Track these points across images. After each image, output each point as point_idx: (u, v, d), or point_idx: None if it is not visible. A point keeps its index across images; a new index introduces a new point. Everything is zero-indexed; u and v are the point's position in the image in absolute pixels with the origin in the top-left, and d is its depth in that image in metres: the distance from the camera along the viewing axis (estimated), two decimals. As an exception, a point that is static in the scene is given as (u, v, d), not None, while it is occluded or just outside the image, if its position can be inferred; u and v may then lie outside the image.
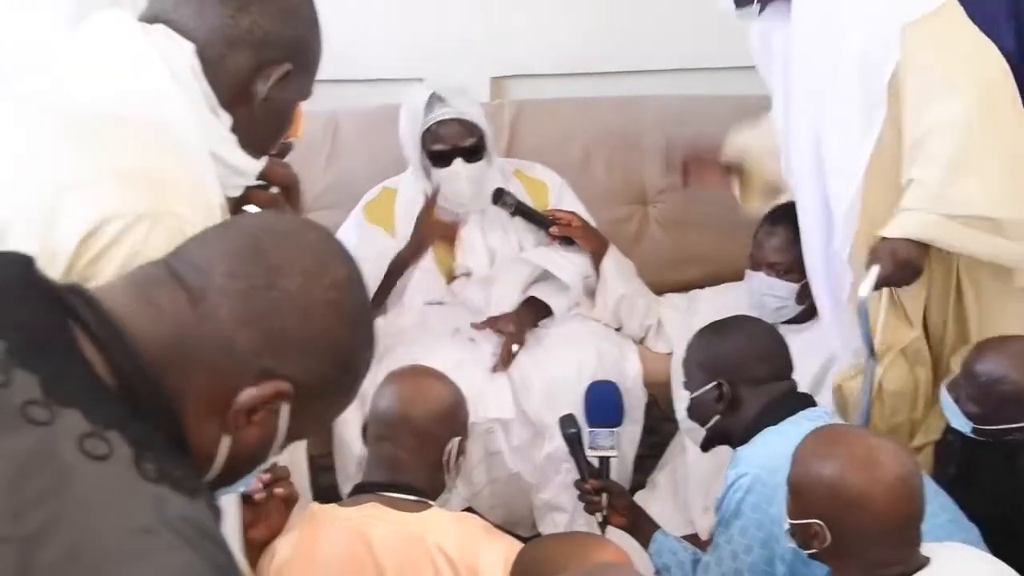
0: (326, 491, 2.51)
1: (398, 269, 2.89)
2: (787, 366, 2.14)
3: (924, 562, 1.64)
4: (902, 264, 2.20)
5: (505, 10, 3.35)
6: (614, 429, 2.30)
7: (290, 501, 1.77)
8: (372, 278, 2.76)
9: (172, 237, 1.08)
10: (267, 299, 0.95)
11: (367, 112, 3.29)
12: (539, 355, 2.82)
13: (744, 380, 2.07)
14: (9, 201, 1.14)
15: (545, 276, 2.92)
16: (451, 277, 3.00)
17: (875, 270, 2.20)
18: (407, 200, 2.95)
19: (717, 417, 2.09)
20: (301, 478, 2.10)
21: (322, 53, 1.38)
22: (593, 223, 3.03)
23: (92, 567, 0.81)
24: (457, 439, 1.88)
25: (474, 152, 2.86)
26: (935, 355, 2.44)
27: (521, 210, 2.92)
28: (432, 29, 3.33)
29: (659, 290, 3.06)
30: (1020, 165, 2.23)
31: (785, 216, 2.62)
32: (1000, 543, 1.94)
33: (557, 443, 2.67)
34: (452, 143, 2.85)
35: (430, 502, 1.83)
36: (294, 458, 2.02)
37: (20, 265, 0.95)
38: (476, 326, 2.85)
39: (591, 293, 2.95)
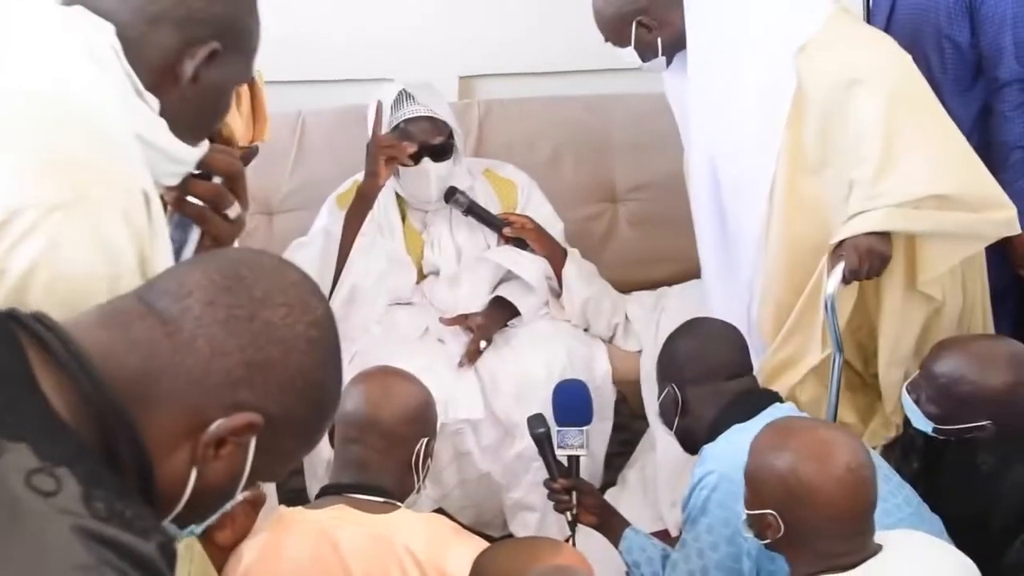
0: (294, 494, 2.50)
1: (359, 206, 2.84)
2: (742, 363, 2.15)
3: (876, 550, 1.66)
4: (866, 254, 2.24)
5: (473, 9, 3.34)
6: (583, 428, 2.30)
7: (257, 504, 1.76)
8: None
9: (91, 226, 1.06)
10: (249, 329, 0.94)
11: (334, 112, 3.28)
12: (508, 355, 2.82)
13: (691, 382, 2.10)
14: None
15: (511, 276, 2.92)
16: (421, 275, 2.99)
17: (840, 267, 2.24)
18: (377, 196, 2.93)
19: (677, 420, 2.12)
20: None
21: (259, 33, 1.31)
22: (561, 224, 3.03)
23: None
24: (425, 440, 1.88)
25: (443, 151, 2.85)
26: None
27: (473, 211, 2.91)
28: (400, 28, 3.32)
29: (628, 288, 3.07)
30: (944, 139, 2.31)
31: None
32: (963, 539, 1.95)
33: (527, 442, 2.66)
34: (421, 141, 2.83)
35: (398, 503, 1.82)
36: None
37: None
38: (445, 321, 2.85)
39: (557, 294, 2.95)
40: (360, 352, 2.76)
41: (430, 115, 2.83)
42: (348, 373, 2.24)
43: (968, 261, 2.41)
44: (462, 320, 2.85)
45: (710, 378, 2.10)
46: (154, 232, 1.16)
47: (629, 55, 2.52)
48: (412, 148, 2.81)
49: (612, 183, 3.30)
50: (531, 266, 2.90)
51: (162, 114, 1.23)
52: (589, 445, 2.33)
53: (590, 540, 2.28)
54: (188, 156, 1.28)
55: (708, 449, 2.05)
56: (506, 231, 2.92)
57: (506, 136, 3.29)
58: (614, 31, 2.52)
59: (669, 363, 2.16)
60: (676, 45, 2.47)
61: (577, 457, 2.29)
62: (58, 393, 0.89)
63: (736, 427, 2.01)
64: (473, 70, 3.42)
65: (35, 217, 1.05)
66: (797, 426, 1.75)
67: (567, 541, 2.29)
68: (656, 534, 2.39)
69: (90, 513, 0.83)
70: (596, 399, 2.54)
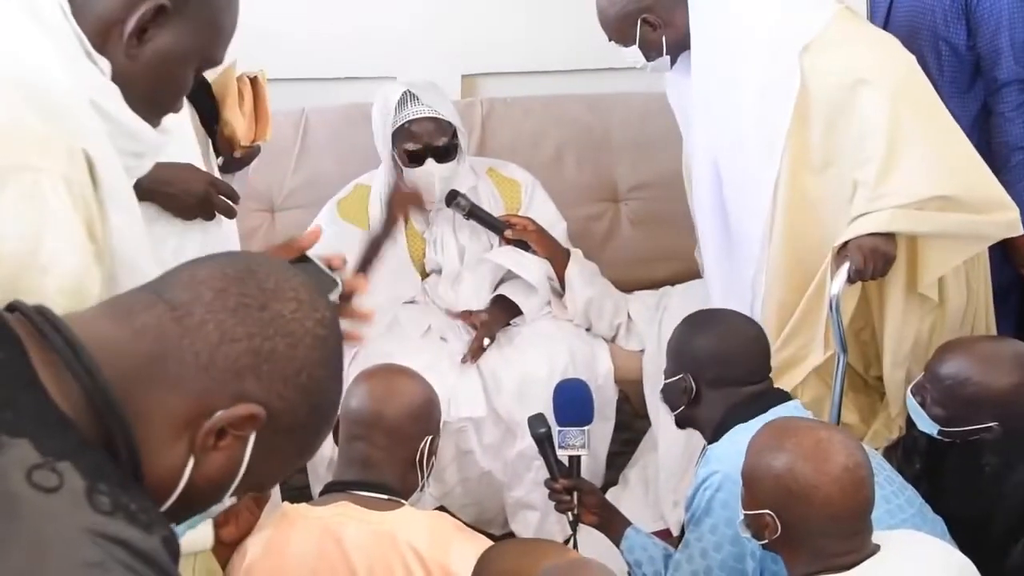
0: (297, 492, 2.50)
1: (373, 250, 2.84)
2: (760, 369, 2.13)
3: (874, 550, 1.66)
4: (871, 254, 2.24)
5: (476, 8, 3.34)
6: (584, 428, 2.29)
7: (261, 501, 1.76)
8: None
9: (33, 194, 1.04)
10: (259, 318, 0.94)
11: (337, 110, 3.28)
12: (510, 353, 2.83)
13: (709, 382, 2.09)
14: None
15: (513, 276, 2.92)
16: (424, 273, 2.99)
17: (845, 267, 2.24)
18: (380, 197, 2.93)
19: (682, 407, 2.12)
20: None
21: (227, 14, 1.26)
22: (564, 223, 3.04)
23: None
24: (429, 437, 1.88)
25: (446, 152, 2.85)
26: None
27: (475, 214, 2.91)
28: (403, 27, 3.32)
29: (630, 287, 3.07)
30: (948, 141, 2.31)
31: None
32: (966, 541, 1.96)
33: (529, 441, 2.66)
34: (425, 142, 2.83)
35: (402, 501, 1.82)
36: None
37: None
38: (452, 315, 2.85)
39: (559, 294, 2.95)
40: (363, 350, 2.76)
41: (434, 116, 2.83)
42: (351, 371, 2.25)
43: (972, 260, 2.41)
44: (467, 316, 2.85)
45: (729, 384, 2.07)
46: (104, 197, 1.13)
47: (633, 54, 2.52)
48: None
49: (614, 182, 3.31)
50: (533, 267, 2.90)
51: (115, 80, 1.19)
52: (590, 445, 2.33)
53: (591, 540, 2.28)
54: (144, 133, 1.23)
55: (712, 449, 2.05)
56: (508, 233, 2.92)
57: (508, 135, 3.29)
58: (618, 30, 2.52)
59: (689, 354, 2.12)
60: (680, 45, 2.47)
61: (578, 457, 2.28)
62: (57, 386, 0.89)
63: (739, 427, 2.00)
64: (476, 68, 3.42)
65: None
66: (794, 426, 1.74)
67: (568, 541, 2.30)
68: (657, 533, 2.39)
69: (94, 508, 0.83)
70: (598, 398, 2.54)
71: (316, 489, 2.62)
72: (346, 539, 1.73)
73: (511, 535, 2.82)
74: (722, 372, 2.08)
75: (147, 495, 0.91)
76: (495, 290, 2.93)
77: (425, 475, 1.88)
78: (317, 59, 3.29)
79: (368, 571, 1.72)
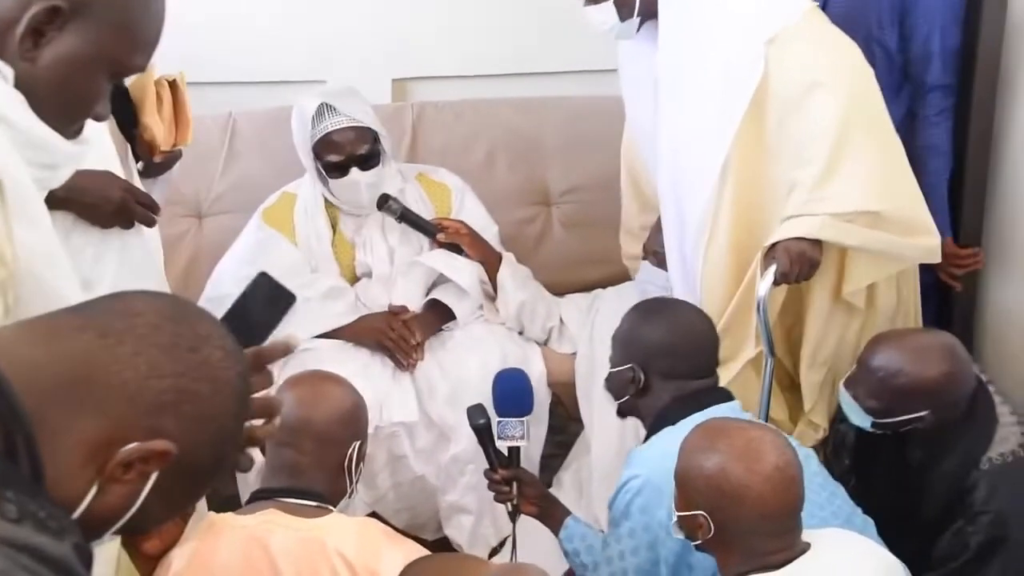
0: (226, 501, 2.46)
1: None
2: (708, 364, 2.13)
3: (805, 548, 1.68)
4: (797, 258, 2.26)
5: (407, 12, 3.33)
6: (523, 418, 2.29)
7: (186, 513, 1.73)
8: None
9: None
10: (188, 360, 0.95)
11: (265, 114, 3.25)
12: (443, 357, 2.82)
13: (657, 371, 2.08)
14: None
15: (445, 280, 2.91)
16: (354, 278, 2.97)
17: (772, 269, 2.26)
18: (306, 205, 2.92)
19: (627, 397, 2.11)
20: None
21: (138, 11, 1.21)
22: (496, 226, 3.04)
23: None
24: (357, 443, 1.86)
25: (369, 158, 2.83)
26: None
27: (407, 217, 2.90)
28: (333, 30, 3.30)
29: (562, 290, 3.08)
30: (889, 157, 2.33)
31: None
32: (893, 534, 1.99)
33: (463, 445, 2.66)
34: (347, 152, 2.80)
35: (330, 507, 1.80)
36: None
37: None
38: (392, 309, 2.84)
39: (491, 298, 2.95)
40: (294, 357, 2.73)
41: (353, 125, 2.80)
42: (280, 377, 2.22)
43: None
44: (404, 309, 2.83)
45: (678, 377, 2.08)
46: (10, 215, 1.10)
47: (604, 12, 2.42)
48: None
49: (545, 186, 3.32)
50: (465, 271, 2.89)
51: (18, 87, 1.14)
52: (529, 436, 2.33)
53: (530, 541, 2.28)
54: (53, 143, 1.18)
55: (636, 452, 2.05)
56: (440, 237, 2.91)
57: (440, 139, 3.28)
58: None
59: (639, 344, 2.11)
60: (649, 12, 2.40)
61: (518, 448, 2.28)
62: None
63: (666, 430, 2.01)
64: (406, 72, 3.42)
65: None
66: (725, 427, 1.75)
67: (504, 542, 2.29)
68: (593, 534, 2.40)
69: (1, 516, 0.81)
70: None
71: (245, 497, 2.58)
72: (273, 546, 1.71)
73: (445, 540, 2.81)
74: (673, 364, 2.08)
75: (58, 503, 0.89)
76: (428, 294, 2.92)
77: (354, 481, 1.87)
78: (245, 62, 3.26)
79: (296, 579, 1.70)
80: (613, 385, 2.16)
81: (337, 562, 1.70)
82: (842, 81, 2.29)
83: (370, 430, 2.00)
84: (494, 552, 2.78)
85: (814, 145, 2.26)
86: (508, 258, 2.98)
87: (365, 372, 2.72)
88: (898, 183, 2.33)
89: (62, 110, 1.20)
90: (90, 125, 1.27)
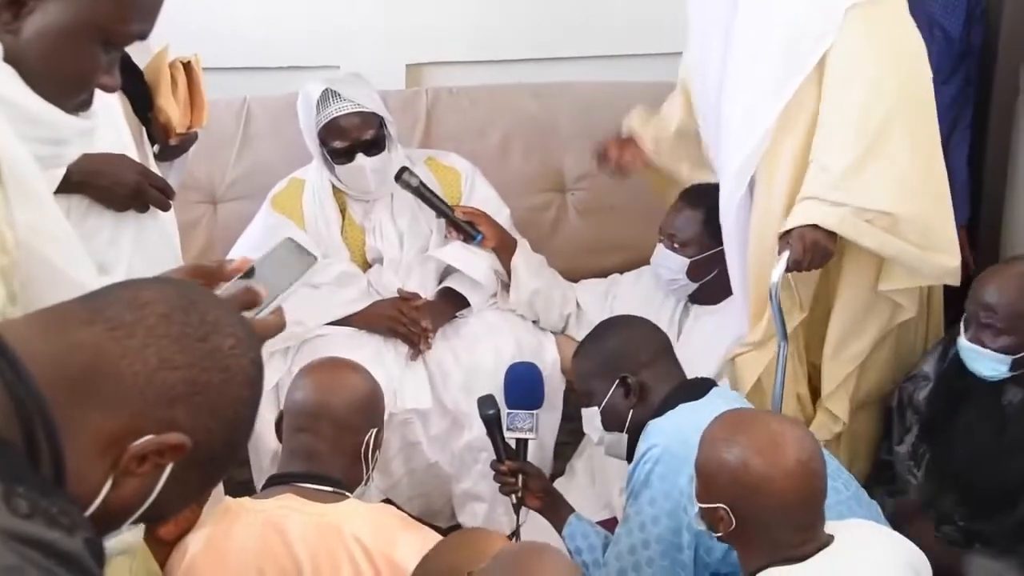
0: (241, 486, 2.46)
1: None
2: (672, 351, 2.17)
3: (828, 540, 1.67)
4: (811, 247, 2.24)
5: (421, -3, 3.32)
6: (533, 411, 2.29)
7: (202, 498, 1.73)
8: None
9: None
10: (198, 349, 0.95)
11: (280, 100, 3.22)
12: (457, 345, 2.81)
13: (646, 364, 2.09)
14: None
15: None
16: (365, 264, 2.96)
17: (785, 255, 2.24)
18: (314, 190, 2.90)
19: (631, 413, 2.10)
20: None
21: None
22: (508, 210, 3.02)
23: None
24: (374, 430, 1.87)
25: (375, 143, 2.81)
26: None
27: (422, 192, 2.85)
28: (347, 15, 3.28)
29: (577, 278, 3.06)
30: (928, 165, 2.29)
31: (694, 194, 2.67)
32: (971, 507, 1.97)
33: (476, 432, 2.66)
34: (352, 138, 2.78)
35: (347, 493, 1.80)
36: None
37: None
38: (404, 294, 2.83)
39: (505, 287, 2.93)
40: (307, 344, 2.73)
41: (357, 110, 2.78)
42: (295, 364, 2.23)
43: None
44: (415, 296, 2.83)
45: (663, 354, 2.10)
46: (10, 196, 1.08)
47: None
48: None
49: (561, 172, 3.30)
50: (479, 263, 2.87)
51: (7, 60, 1.11)
52: (539, 431, 2.32)
53: (536, 531, 2.28)
54: (49, 116, 1.15)
55: (653, 423, 2.04)
56: (457, 212, 2.88)
57: (454, 125, 3.26)
58: None
59: (614, 357, 2.13)
60: None
61: (525, 440, 2.28)
62: None
63: (686, 405, 2.01)
64: (421, 58, 3.40)
65: None
66: (747, 418, 1.74)
67: (514, 534, 2.29)
68: (604, 523, 2.39)
69: (11, 511, 0.81)
70: (546, 388, 2.53)
71: (260, 483, 2.58)
72: (289, 531, 1.71)
73: (458, 527, 2.81)
74: (652, 346, 2.11)
75: (70, 499, 0.89)
76: (441, 282, 2.91)
77: (370, 468, 1.87)
78: (260, 48, 3.25)
79: (312, 563, 1.70)
80: (612, 417, 2.12)
81: (354, 547, 1.70)
82: (898, 79, 2.23)
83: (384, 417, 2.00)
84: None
85: (850, 132, 2.21)
86: (523, 245, 2.97)
87: (378, 359, 2.71)
88: (927, 192, 2.28)
89: (57, 83, 1.16)
90: (102, 102, 1.24)
